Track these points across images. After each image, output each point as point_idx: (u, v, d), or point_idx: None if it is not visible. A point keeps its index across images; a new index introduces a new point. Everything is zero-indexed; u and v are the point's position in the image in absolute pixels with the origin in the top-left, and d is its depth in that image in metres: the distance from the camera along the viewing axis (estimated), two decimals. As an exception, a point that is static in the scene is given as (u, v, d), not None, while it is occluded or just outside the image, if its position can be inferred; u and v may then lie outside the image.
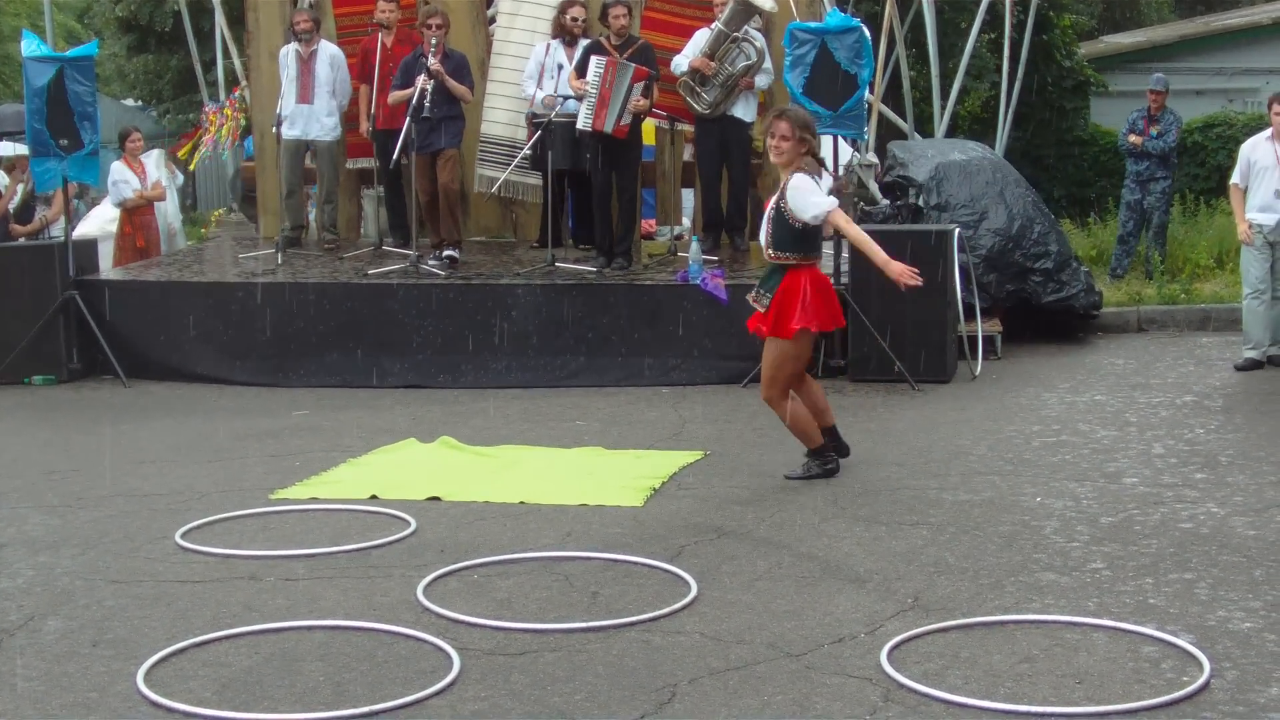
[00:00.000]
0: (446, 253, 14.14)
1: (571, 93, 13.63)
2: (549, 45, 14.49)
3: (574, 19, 14.39)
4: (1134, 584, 7.03)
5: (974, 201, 14.31)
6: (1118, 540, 7.75)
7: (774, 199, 9.05)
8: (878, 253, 9.03)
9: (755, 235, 15.65)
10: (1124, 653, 6.14)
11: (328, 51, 15.26)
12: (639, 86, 13.29)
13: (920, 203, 14.34)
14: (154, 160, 17.89)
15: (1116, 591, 6.93)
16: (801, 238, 8.97)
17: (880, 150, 17.09)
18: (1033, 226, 14.38)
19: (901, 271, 8.95)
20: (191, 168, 20.03)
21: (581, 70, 13.61)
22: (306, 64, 15.08)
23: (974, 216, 14.10)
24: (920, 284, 9.08)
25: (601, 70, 13.25)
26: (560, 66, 14.24)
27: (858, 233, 9.28)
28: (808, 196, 8.88)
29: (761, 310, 9.06)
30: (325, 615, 6.82)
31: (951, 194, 14.35)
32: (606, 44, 13.81)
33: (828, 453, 9.31)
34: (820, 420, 9.31)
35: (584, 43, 14.24)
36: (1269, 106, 13.34)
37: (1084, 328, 15.04)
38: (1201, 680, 5.72)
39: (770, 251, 9.06)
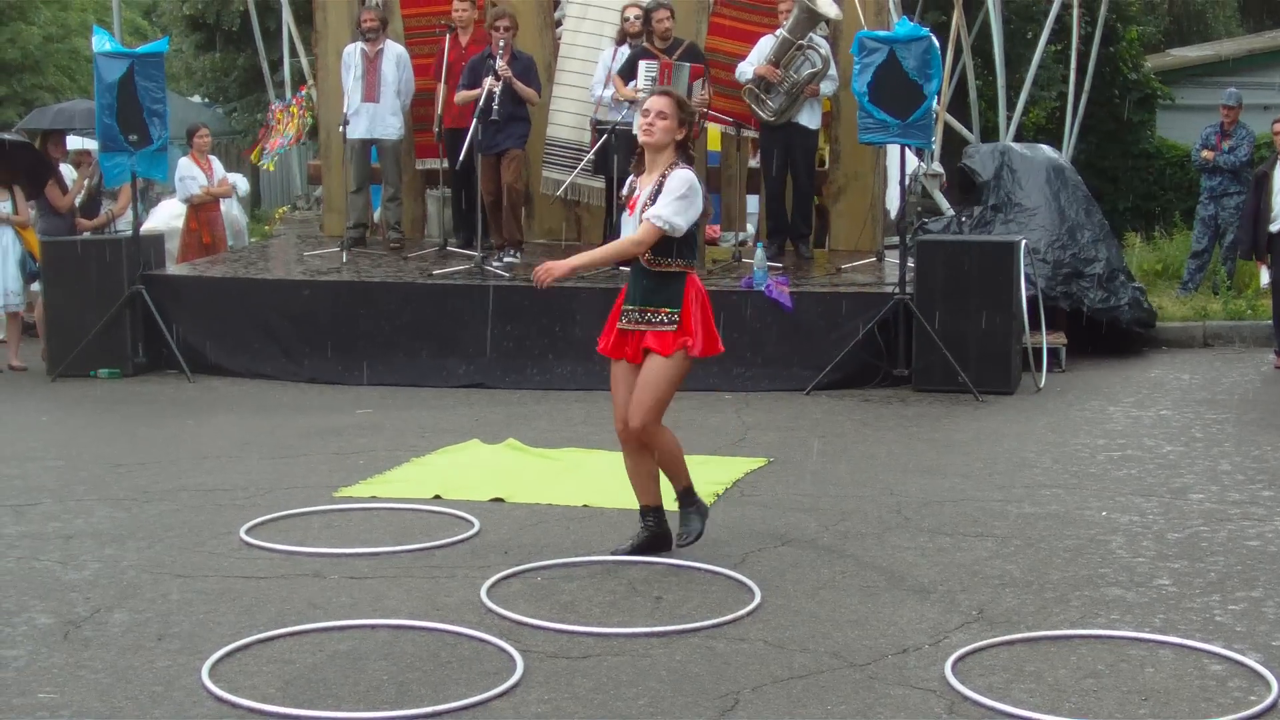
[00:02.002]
0: (506, 259, 14.15)
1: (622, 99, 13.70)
2: (616, 51, 14.50)
3: (626, 18, 14.40)
4: (1201, 601, 6.98)
5: (1029, 198, 14.28)
6: (1184, 557, 7.70)
7: (645, 197, 7.61)
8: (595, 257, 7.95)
9: (820, 243, 15.80)
10: (1190, 670, 6.09)
11: (394, 51, 15.31)
12: (697, 84, 13.31)
13: (983, 200, 14.36)
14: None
15: (1183, 608, 6.88)
16: (683, 239, 7.60)
17: (945, 160, 17.07)
18: (1082, 231, 14.31)
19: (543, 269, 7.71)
20: (269, 168, 20.11)
21: (627, 75, 13.64)
22: (373, 63, 15.13)
23: (1028, 215, 14.08)
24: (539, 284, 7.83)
25: (655, 74, 13.27)
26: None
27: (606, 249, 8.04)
28: (676, 200, 7.50)
29: (670, 331, 7.60)
30: (389, 614, 6.83)
31: (1011, 190, 14.32)
32: (652, 48, 13.84)
33: (695, 496, 8.02)
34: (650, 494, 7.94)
35: (623, 50, 14.27)
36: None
37: (1148, 342, 14.98)
38: (1270, 700, 5.67)
39: (647, 257, 7.58)
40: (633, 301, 7.70)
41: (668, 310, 7.59)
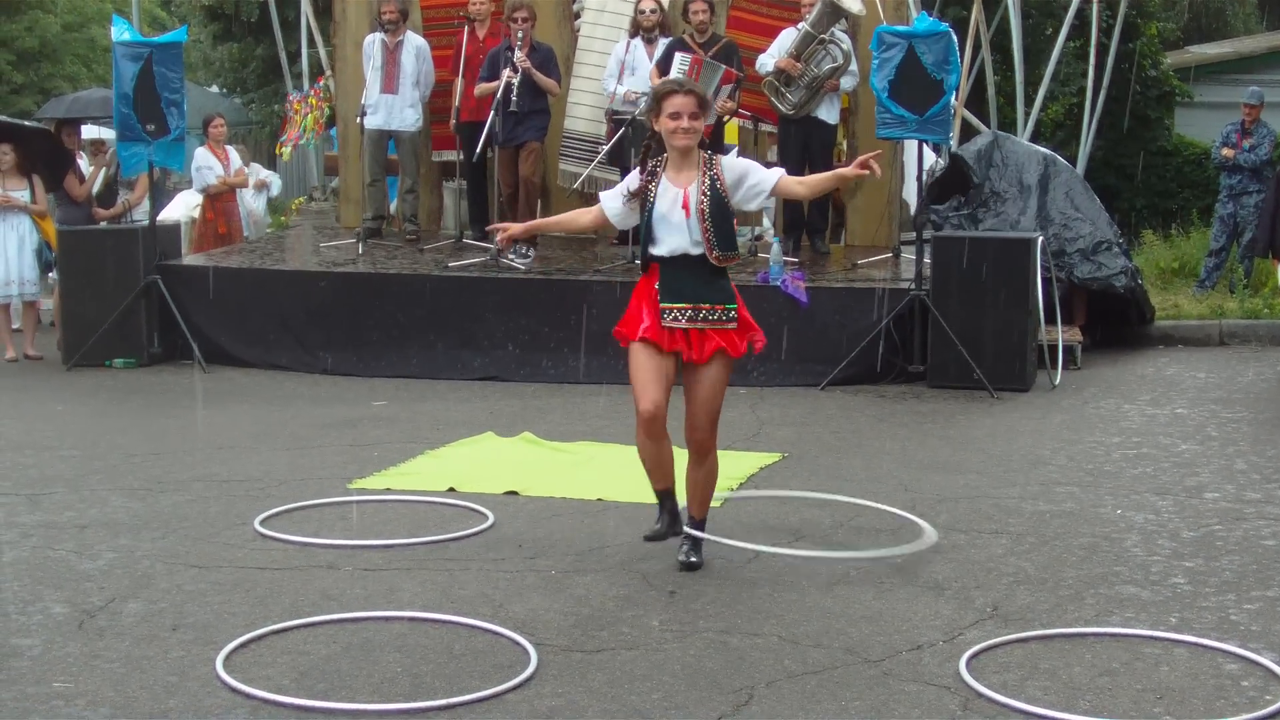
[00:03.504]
0: (520, 257, 14.14)
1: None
2: (629, 44, 14.50)
3: (642, 10, 14.38)
4: (1216, 600, 6.97)
5: (1010, 192, 14.26)
6: (1200, 555, 7.68)
7: (697, 193, 7.31)
8: (835, 176, 7.93)
9: (836, 237, 15.79)
10: (1205, 669, 6.08)
11: (414, 43, 15.31)
12: (727, 89, 13.29)
13: (972, 179, 14.34)
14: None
15: (1198, 607, 6.86)
16: (733, 231, 7.50)
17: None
18: (1060, 212, 14.26)
19: (862, 163, 7.66)
20: (285, 158, 20.15)
21: (664, 68, 13.62)
22: (392, 54, 15.13)
23: (1005, 202, 14.18)
24: (875, 169, 7.68)
25: (686, 68, 13.25)
26: (638, 66, 14.28)
27: (816, 180, 8.04)
28: (757, 171, 7.53)
29: (733, 328, 7.46)
30: (403, 606, 6.84)
31: (993, 186, 14.30)
32: (690, 41, 13.82)
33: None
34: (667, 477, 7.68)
35: (664, 41, 14.25)
36: None
37: (1164, 338, 14.99)
38: (1285, 700, 5.67)
39: (717, 254, 7.39)
40: (681, 299, 7.36)
41: (725, 307, 7.40)
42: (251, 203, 18.07)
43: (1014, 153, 14.73)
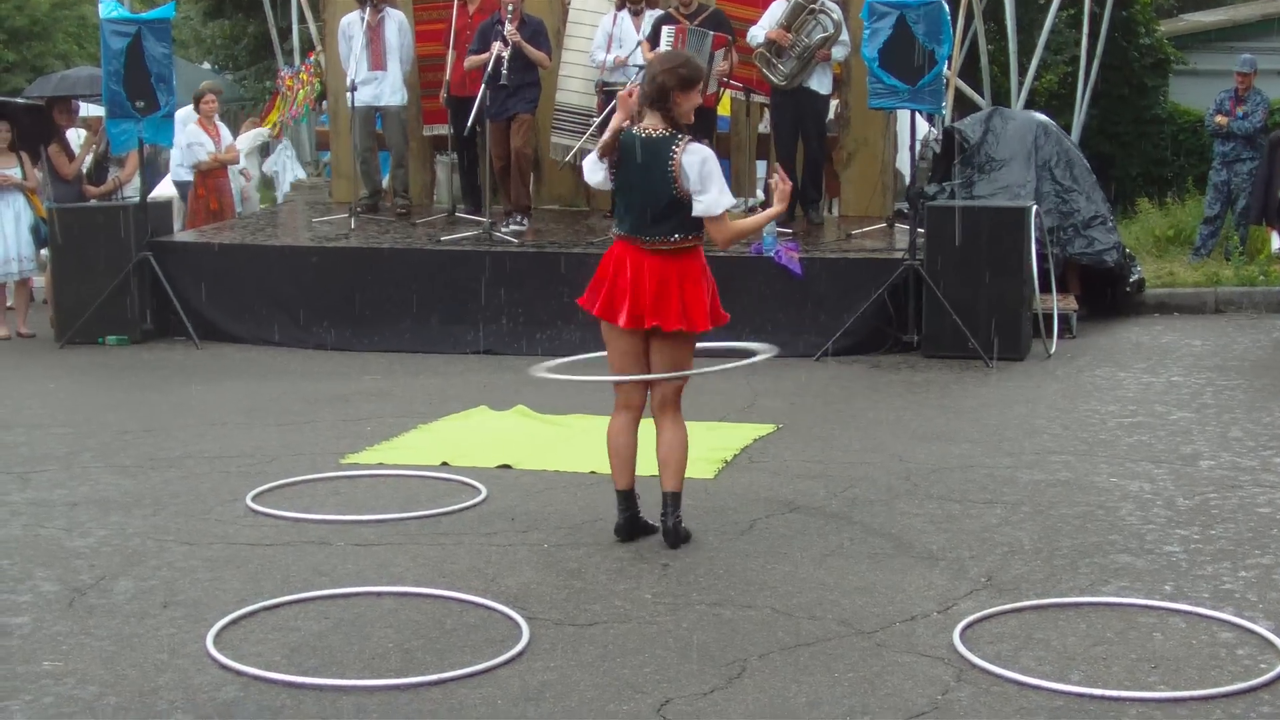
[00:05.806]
0: (513, 226, 14.13)
1: (644, 64, 13.62)
2: (616, 16, 14.45)
3: None
4: (1211, 568, 6.95)
5: (1010, 160, 14.21)
6: (1195, 524, 7.66)
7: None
8: (759, 221, 7.64)
9: (830, 208, 15.75)
10: (1200, 638, 6.06)
11: (395, 17, 15.23)
12: (719, 53, 13.26)
13: (968, 157, 14.29)
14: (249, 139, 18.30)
15: (1193, 576, 6.84)
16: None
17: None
18: (1055, 184, 14.24)
19: (783, 194, 7.28)
20: (275, 135, 20.08)
21: (654, 42, 13.58)
22: (375, 31, 15.04)
23: (1002, 171, 14.17)
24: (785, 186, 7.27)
25: (672, 39, 13.21)
26: (625, 38, 14.23)
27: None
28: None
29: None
30: (395, 581, 6.82)
31: (991, 153, 14.26)
32: (676, 14, 13.77)
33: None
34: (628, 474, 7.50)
35: (651, 14, 14.20)
36: None
37: (1159, 306, 14.96)
38: (1280, 668, 5.65)
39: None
40: None
41: None
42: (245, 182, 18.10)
43: (1012, 120, 14.70)
